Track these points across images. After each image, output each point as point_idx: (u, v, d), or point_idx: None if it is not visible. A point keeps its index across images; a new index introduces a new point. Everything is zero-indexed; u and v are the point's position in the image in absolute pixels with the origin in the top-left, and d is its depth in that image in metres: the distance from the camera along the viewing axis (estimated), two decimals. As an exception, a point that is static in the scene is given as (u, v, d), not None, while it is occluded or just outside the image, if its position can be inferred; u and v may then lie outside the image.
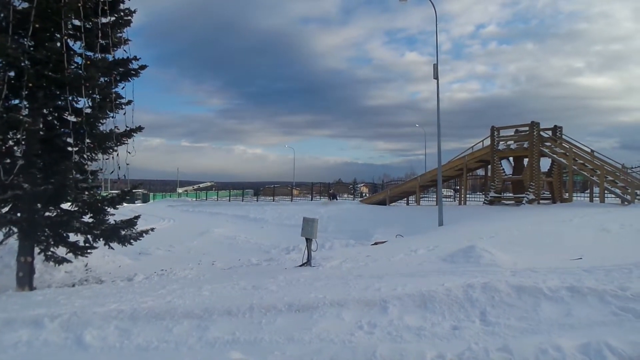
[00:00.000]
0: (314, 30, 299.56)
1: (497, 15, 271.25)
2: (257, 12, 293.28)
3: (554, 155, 20.63)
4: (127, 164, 11.16)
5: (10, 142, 9.97)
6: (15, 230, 10.33)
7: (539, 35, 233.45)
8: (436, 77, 18.02)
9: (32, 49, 9.71)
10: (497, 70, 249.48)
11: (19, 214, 10.20)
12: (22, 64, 9.36)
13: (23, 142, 9.97)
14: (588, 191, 22.83)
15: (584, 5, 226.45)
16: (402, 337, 4.36)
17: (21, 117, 9.42)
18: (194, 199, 53.95)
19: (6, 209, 10.34)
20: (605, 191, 18.52)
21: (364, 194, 41.40)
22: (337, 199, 35.57)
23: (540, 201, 20.53)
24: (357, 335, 4.47)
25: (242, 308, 5.24)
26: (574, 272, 6.15)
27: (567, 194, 21.70)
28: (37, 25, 9.53)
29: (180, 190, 71.47)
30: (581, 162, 20.23)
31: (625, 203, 17.42)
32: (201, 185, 76.81)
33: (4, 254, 11.59)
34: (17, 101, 10.08)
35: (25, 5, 9.77)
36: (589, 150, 21.14)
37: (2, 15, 9.42)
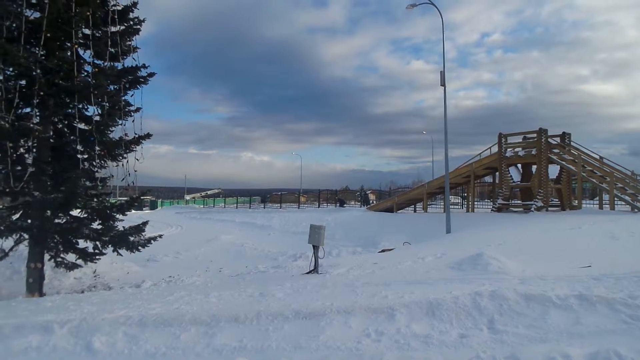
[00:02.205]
0: (320, 40, 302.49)
1: (502, 24, 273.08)
2: (265, 22, 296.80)
3: (563, 162, 20.50)
4: (135, 171, 11.28)
5: (22, 150, 10.10)
6: (26, 236, 10.43)
7: (544, 43, 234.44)
8: (443, 84, 17.99)
9: (43, 57, 9.86)
10: (503, 77, 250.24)
11: (29, 221, 10.30)
12: (34, 73, 9.49)
13: (34, 150, 10.10)
14: (597, 198, 22.63)
15: (587, 14, 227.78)
16: (410, 345, 4.35)
17: (32, 125, 9.55)
18: (202, 206, 54.14)
19: (17, 216, 10.46)
20: (615, 198, 18.35)
21: (371, 201, 41.32)
22: (344, 206, 35.64)
23: (549, 208, 20.39)
24: (364, 343, 4.46)
25: (249, 315, 5.25)
26: (583, 280, 6.10)
27: (576, 201, 21.53)
28: (48, 35, 9.68)
29: (187, 197, 71.72)
30: (590, 169, 20.08)
31: (636, 210, 17.25)
32: (209, 192, 76.95)
33: (14, 260, 11.70)
34: (28, 109, 10.23)
35: (37, 15, 9.94)
36: (597, 157, 20.99)
37: (14, 25, 9.57)
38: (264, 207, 42.93)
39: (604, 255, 8.73)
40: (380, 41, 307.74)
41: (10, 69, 9.74)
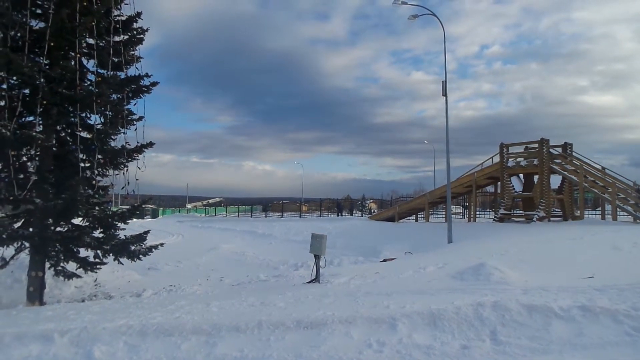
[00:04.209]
0: (322, 51, 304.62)
1: (500, 37, 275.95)
2: (267, 34, 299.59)
3: (565, 172, 20.47)
4: (137, 179, 11.30)
5: (24, 158, 10.13)
6: (27, 245, 10.42)
7: (543, 55, 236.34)
8: (445, 93, 18.05)
9: (47, 67, 9.92)
10: (502, 88, 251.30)
11: (30, 229, 10.30)
12: (37, 82, 9.55)
13: (36, 158, 10.13)
14: (599, 209, 22.57)
15: (585, 27, 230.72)
16: (412, 356, 4.32)
17: (34, 133, 9.58)
18: (203, 215, 54.13)
19: (18, 224, 10.46)
20: (617, 209, 18.30)
21: (372, 210, 41.33)
22: (342, 214, 35.79)
23: (551, 219, 20.33)
24: (366, 354, 4.43)
25: (250, 324, 5.22)
26: (585, 291, 6.06)
27: (578, 212, 21.47)
28: (52, 44, 9.76)
29: (189, 205, 71.66)
30: (592, 179, 20.04)
31: (638, 221, 17.19)
32: (210, 200, 77.00)
33: (15, 269, 11.69)
34: (31, 118, 10.28)
35: (42, 25, 10.04)
36: (599, 168, 20.95)
37: (19, 34, 9.66)
38: (266, 216, 42.93)
39: (607, 266, 8.68)
40: (380, 52, 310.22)
41: (14, 78, 9.81)
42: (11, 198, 9.68)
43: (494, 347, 4.37)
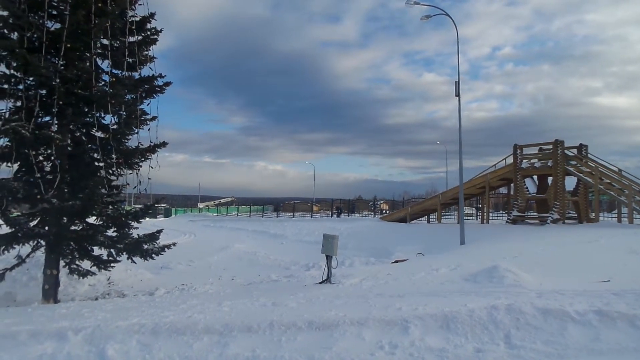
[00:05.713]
0: (333, 53, 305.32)
1: (512, 38, 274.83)
2: (280, 36, 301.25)
3: (580, 174, 20.21)
4: (149, 179, 11.37)
5: (40, 158, 10.26)
6: (43, 243, 10.56)
7: (555, 56, 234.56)
8: (458, 94, 17.88)
9: (63, 68, 10.04)
10: (515, 89, 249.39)
11: (46, 228, 10.43)
12: (54, 83, 9.67)
13: (52, 158, 10.25)
14: (616, 211, 22.24)
15: (597, 29, 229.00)
16: (424, 359, 4.28)
17: (52, 133, 9.70)
18: (215, 214, 54.41)
19: (34, 223, 10.60)
20: (634, 211, 18.01)
21: (384, 211, 41.18)
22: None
23: (566, 221, 20.08)
24: (378, 356, 4.41)
25: (262, 325, 5.23)
26: (602, 295, 5.96)
27: (593, 214, 21.18)
28: (68, 45, 9.87)
29: (201, 205, 72.11)
30: (608, 181, 19.76)
31: (655, 224, 16.91)
32: (222, 200, 77.44)
33: (30, 267, 11.84)
34: (47, 118, 10.41)
35: (58, 26, 10.16)
36: (615, 169, 20.64)
37: (35, 35, 9.78)
38: (277, 216, 42.99)
39: (624, 270, 8.54)
40: (392, 54, 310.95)
41: (31, 79, 9.94)
42: (28, 197, 9.80)
43: (508, 351, 4.32)
